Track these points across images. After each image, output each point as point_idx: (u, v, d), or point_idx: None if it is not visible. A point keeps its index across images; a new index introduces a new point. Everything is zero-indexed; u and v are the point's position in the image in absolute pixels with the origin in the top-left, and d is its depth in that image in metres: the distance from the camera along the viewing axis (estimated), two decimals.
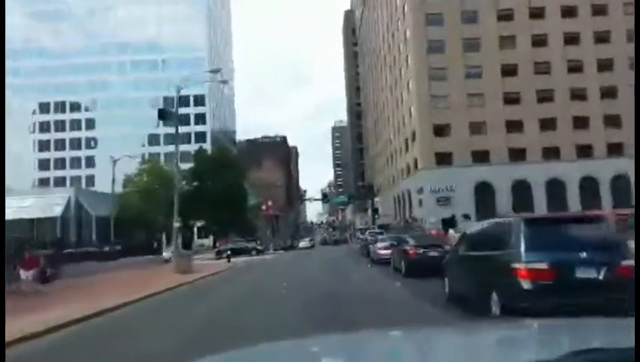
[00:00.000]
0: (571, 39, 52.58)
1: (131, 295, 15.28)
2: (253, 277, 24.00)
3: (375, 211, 70.65)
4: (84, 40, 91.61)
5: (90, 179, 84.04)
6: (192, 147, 72.21)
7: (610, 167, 48.97)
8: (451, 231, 31.25)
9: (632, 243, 9.73)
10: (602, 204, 46.32)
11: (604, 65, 52.01)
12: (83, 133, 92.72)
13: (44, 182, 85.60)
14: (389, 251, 22.67)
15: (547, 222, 9.22)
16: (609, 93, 51.58)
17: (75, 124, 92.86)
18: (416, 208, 53.11)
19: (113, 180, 46.36)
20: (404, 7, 56.68)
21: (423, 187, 50.88)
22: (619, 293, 7.07)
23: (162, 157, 76.52)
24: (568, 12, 52.96)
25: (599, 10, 52.90)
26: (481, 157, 50.99)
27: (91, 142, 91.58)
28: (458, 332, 2.43)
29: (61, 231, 48.62)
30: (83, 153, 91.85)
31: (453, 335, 2.32)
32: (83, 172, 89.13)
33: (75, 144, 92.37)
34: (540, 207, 47.20)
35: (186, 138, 75.92)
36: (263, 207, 74.79)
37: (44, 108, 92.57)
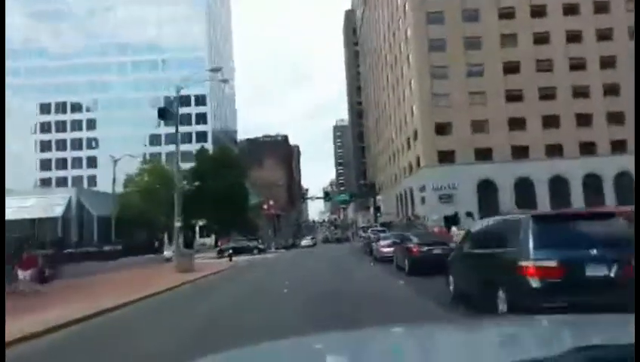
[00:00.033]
0: (573, 37, 52.40)
1: (132, 294, 15.18)
2: (255, 275, 23.88)
3: (377, 209, 70.48)
4: (84, 40, 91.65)
5: (92, 179, 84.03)
6: (193, 147, 72.18)
7: (614, 164, 48.76)
8: (454, 228, 31.18)
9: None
10: (605, 202, 46.07)
11: (607, 63, 51.82)
12: (84, 134, 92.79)
13: (45, 182, 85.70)
14: (391, 249, 22.57)
15: (556, 219, 9.08)
16: (612, 90, 51.40)
17: (77, 125, 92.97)
18: (418, 206, 52.98)
19: (114, 180, 46.40)
20: (404, 7, 56.60)
21: (426, 185, 50.76)
22: (631, 291, 6.89)
23: (163, 157, 76.64)
24: (570, 10, 52.77)
25: (601, 8, 52.71)
26: (483, 154, 50.83)
27: (92, 143, 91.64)
28: (459, 329, 2.44)
29: (62, 231, 48.55)
30: (84, 153, 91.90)
31: (454, 332, 2.33)
32: (85, 172, 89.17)
33: (77, 144, 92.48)
34: (543, 204, 47.04)
35: (187, 138, 76.02)
36: (265, 206, 74.81)
37: (45, 108, 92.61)
